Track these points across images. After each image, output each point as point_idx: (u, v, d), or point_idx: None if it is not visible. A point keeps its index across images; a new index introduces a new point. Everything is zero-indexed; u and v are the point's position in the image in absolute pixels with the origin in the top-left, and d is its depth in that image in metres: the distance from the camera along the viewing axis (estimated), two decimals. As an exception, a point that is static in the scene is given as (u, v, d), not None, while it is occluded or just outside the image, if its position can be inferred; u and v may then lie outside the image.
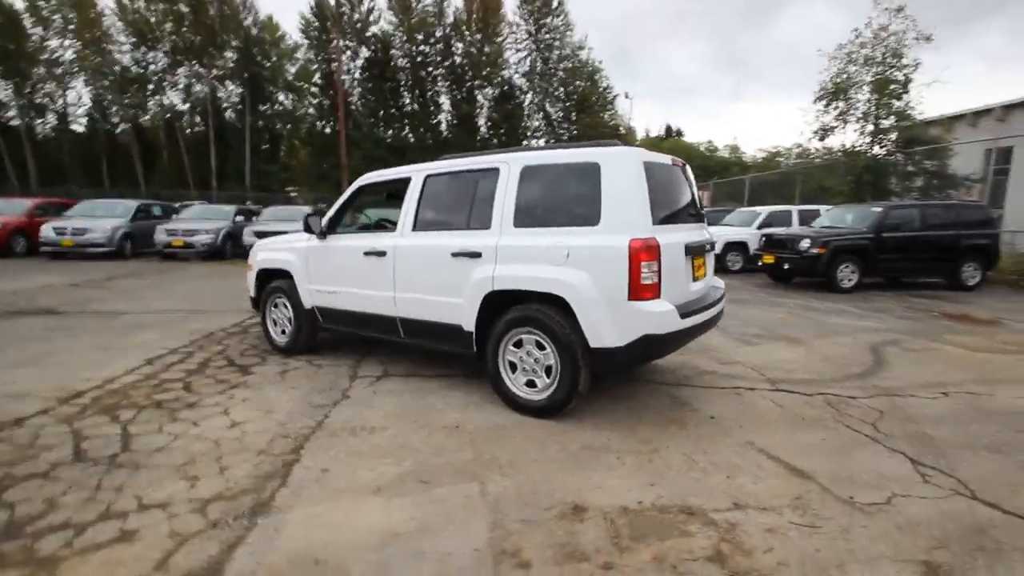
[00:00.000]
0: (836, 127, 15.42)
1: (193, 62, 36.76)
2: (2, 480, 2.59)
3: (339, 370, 4.47)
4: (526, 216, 3.38)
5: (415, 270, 3.86)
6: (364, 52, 39.64)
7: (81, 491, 2.50)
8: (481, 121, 43.09)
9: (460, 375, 4.30)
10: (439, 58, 41.67)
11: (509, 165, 3.53)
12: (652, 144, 52.03)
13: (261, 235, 14.34)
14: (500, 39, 42.04)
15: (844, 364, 4.81)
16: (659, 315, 3.01)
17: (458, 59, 41.68)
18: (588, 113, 40.14)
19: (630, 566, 1.98)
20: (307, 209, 16.39)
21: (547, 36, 41.22)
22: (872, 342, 5.62)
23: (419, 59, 41.62)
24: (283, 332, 5.01)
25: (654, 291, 3.02)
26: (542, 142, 42.71)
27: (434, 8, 40.14)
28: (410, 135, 42.51)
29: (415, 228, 3.91)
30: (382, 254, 4.02)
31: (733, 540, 2.15)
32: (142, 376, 4.25)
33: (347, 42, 38.77)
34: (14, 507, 2.36)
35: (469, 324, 3.58)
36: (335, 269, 4.41)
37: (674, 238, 3.25)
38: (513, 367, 3.48)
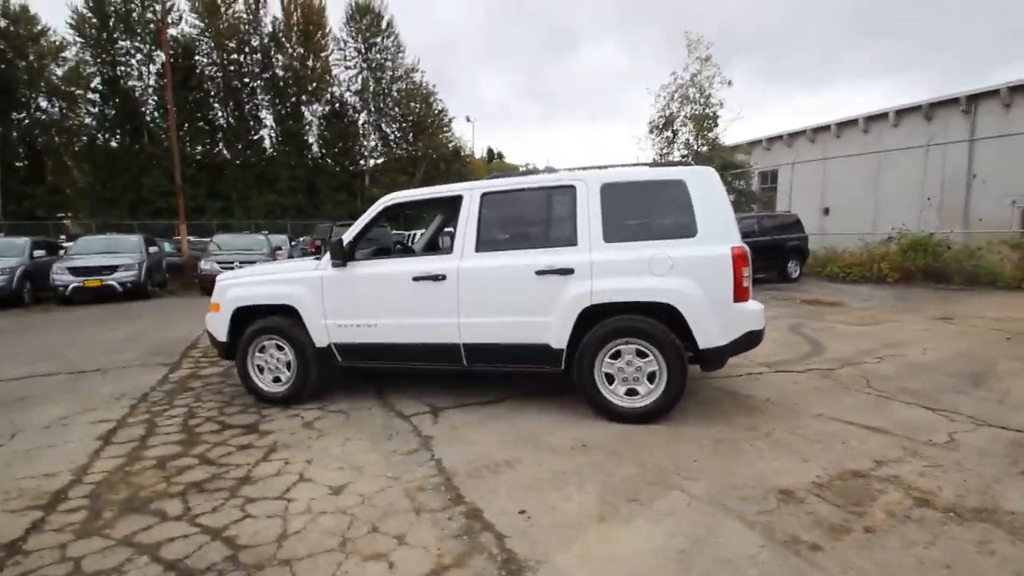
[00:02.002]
0: (667, 153, 18.23)
1: (-100, 52, 27.75)
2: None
3: (372, 412, 3.97)
4: (616, 231, 3.51)
5: (488, 292, 3.66)
6: (160, 56, 34.23)
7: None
8: (312, 139, 40.51)
9: (511, 398, 4.16)
10: (257, 69, 38.16)
11: (586, 183, 3.61)
12: (480, 166, 54.32)
13: (78, 271, 11.58)
14: (326, 54, 40.17)
15: (792, 345, 5.84)
16: (757, 313, 3.41)
17: (280, 72, 38.67)
18: (425, 135, 40.49)
19: (880, 527, 2.27)
20: (134, 238, 13.67)
21: (378, 56, 40.65)
22: (787, 326, 6.88)
23: (232, 68, 37.58)
24: (276, 380, 4.23)
25: (749, 293, 3.41)
26: (380, 161, 41.80)
27: (247, 15, 36.70)
28: (224, 151, 38.00)
29: (479, 249, 3.72)
30: (440, 278, 3.73)
31: (912, 487, 2.59)
32: (123, 458, 3.24)
33: (138, 44, 33.28)
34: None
35: (559, 341, 3.55)
36: (370, 299, 3.91)
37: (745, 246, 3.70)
38: (609, 378, 3.54)
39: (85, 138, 33.52)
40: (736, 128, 28.14)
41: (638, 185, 3.58)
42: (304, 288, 4.05)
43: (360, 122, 41.82)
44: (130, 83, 33.67)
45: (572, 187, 3.64)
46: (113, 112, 33.74)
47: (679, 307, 3.33)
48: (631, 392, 3.52)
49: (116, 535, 2.39)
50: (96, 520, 2.52)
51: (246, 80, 38.18)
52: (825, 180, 22.23)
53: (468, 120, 40.84)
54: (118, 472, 3.05)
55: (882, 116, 21.92)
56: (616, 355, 3.51)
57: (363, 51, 40.44)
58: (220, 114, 38.17)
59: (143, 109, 34.31)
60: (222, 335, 4.29)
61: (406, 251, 5.00)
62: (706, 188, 3.46)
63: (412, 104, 41.35)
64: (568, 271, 3.49)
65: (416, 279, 3.78)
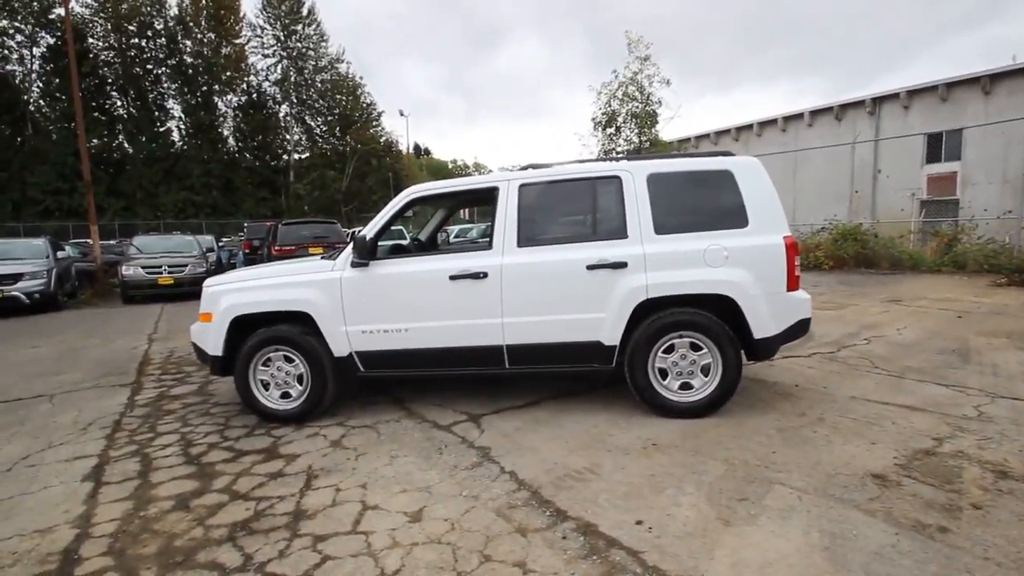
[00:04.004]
0: (611, 149, 18.64)
1: None
2: None
3: (404, 425, 3.64)
4: (666, 223, 3.42)
5: (534, 289, 3.45)
6: (48, 39, 30.48)
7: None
8: (227, 132, 37.69)
9: (546, 400, 3.98)
10: (162, 55, 34.90)
11: (632, 174, 3.49)
12: (411, 161, 52.99)
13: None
14: (241, 41, 37.51)
15: (780, 331, 6.08)
16: (806, 301, 3.45)
17: (188, 59, 35.59)
18: (354, 130, 38.87)
19: (984, 502, 2.34)
20: (38, 242, 11.98)
21: (299, 44, 38.51)
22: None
23: (132, 54, 34.15)
24: (286, 396, 3.78)
25: (799, 282, 3.45)
26: (305, 156, 39.65)
27: (149, -5, 33.43)
28: (126, 144, 34.48)
29: (521, 244, 3.50)
30: (481, 276, 3.46)
31: (983, 461, 2.72)
32: (130, 501, 2.73)
33: (18, 24, 29.35)
34: None
35: (612, 338, 3.41)
36: (399, 301, 3.57)
37: None
38: (662, 374, 3.47)
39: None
40: (669, 126, 29.32)
41: (684, 176, 3.51)
42: (320, 292, 3.63)
43: (281, 114, 39.55)
44: (8, 67, 29.60)
45: (617, 178, 3.51)
46: (-13, 101, 29.55)
47: (736, 298, 3.30)
48: (685, 386, 3.46)
49: (172, 598, 1.98)
50: (133, 582, 2.07)
51: (149, 67, 34.87)
52: (750, 175, 23.71)
53: (402, 114, 39.51)
54: (133, 519, 2.55)
55: (798, 116, 23.74)
56: (669, 349, 3.44)
57: (282, 39, 38.18)
58: (119, 103, 34.65)
59: (25, 97, 30.29)
60: (216, 348, 3.76)
61: (421, 248, 4.64)
62: (753, 178, 3.46)
63: (338, 96, 39.57)
64: (621, 265, 3.37)
65: (453, 278, 3.49)
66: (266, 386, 3.78)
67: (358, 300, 3.60)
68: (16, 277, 10.24)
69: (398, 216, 3.75)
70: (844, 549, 2.05)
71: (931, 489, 2.47)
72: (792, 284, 3.38)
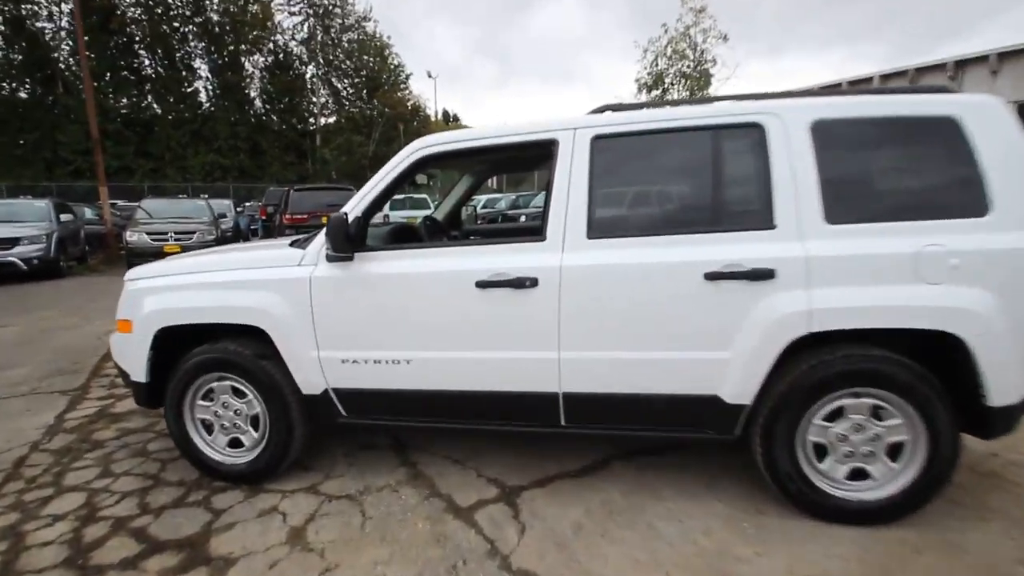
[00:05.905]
0: (660, 112, 16.86)
1: None
2: None
3: (402, 499, 2.42)
4: (843, 204, 2.02)
5: (613, 309, 2.13)
6: (73, -9, 29.64)
7: None
8: (254, 93, 36.81)
9: (611, 462, 2.71)
10: (188, 13, 33.89)
11: (783, 119, 2.09)
12: (440, 127, 51.59)
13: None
14: (267, -2, 36.10)
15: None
16: (1085, 347, 2.03)
17: (215, 16, 34.52)
18: (381, 92, 37.46)
19: None
20: (40, 204, 11.12)
21: (326, 1, 36.94)
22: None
23: (159, 11, 33.22)
24: (235, 444, 2.60)
25: (1072, 311, 2.03)
26: (332, 120, 38.52)
27: (174, -52, 32.24)
28: (154, 105, 33.99)
29: (593, 233, 2.16)
30: (527, 284, 2.15)
31: None
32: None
33: (44, -25, 28.57)
34: None
35: (739, 393, 2.08)
36: (398, 317, 2.30)
37: None
38: (818, 451, 2.13)
39: (-16, 89, 28.77)
40: (724, 87, 26.93)
41: (875, 124, 2.08)
42: (278, 297, 2.38)
43: (308, 76, 38.29)
44: (38, 24, 29.08)
45: (757, 126, 2.11)
46: (19, 57, 29.19)
47: (966, 339, 1.91)
48: (856, 474, 2.12)
49: None
50: None
51: (176, 25, 33.94)
52: (812, 146, 21.50)
53: (430, 76, 37.53)
54: None
55: (866, 81, 21.19)
56: (833, 415, 2.09)
57: (308, -6, 36.55)
58: (147, 63, 33.98)
59: (56, 55, 29.79)
60: (139, 372, 2.59)
61: (436, 231, 3.34)
62: (996, 131, 2.01)
63: (365, 57, 38.05)
64: (765, 274, 2.00)
65: (482, 285, 2.19)
66: (209, 428, 2.61)
67: (336, 312, 2.35)
68: (13, 242, 9.47)
69: (401, 183, 2.43)
70: None
71: None
72: (1066, 317, 1.96)
